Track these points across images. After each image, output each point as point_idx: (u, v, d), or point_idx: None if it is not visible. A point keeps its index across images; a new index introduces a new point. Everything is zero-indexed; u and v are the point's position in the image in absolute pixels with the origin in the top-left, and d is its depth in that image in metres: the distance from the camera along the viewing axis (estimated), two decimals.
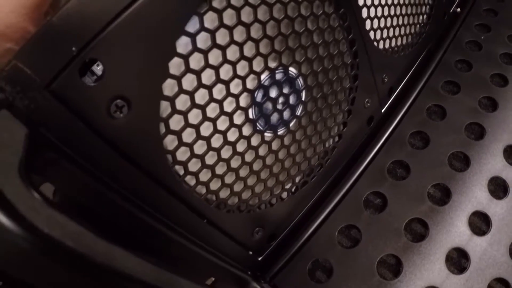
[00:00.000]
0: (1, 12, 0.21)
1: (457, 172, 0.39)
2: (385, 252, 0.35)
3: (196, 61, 0.24)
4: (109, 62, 0.20)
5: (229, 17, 0.24)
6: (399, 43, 0.41)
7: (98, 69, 0.21)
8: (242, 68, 0.26)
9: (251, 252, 0.35)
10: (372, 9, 0.36)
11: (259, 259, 0.36)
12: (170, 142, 0.25)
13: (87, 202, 0.22)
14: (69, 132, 0.21)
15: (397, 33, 0.40)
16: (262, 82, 0.28)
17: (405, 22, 0.41)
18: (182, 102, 0.24)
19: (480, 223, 0.37)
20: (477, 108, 0.42)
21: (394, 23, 0.39)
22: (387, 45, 0.39)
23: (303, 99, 0.31)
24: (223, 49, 0.24)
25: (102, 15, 0.19)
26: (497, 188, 0.39)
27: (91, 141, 0.22)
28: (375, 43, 0.37)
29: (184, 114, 0.24)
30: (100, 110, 0.21)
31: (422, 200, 0.37)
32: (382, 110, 0.41)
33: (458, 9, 0.52)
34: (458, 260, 0.36)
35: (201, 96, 0.25)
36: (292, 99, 0.30)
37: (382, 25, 0.37)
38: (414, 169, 0.39)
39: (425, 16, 0.45)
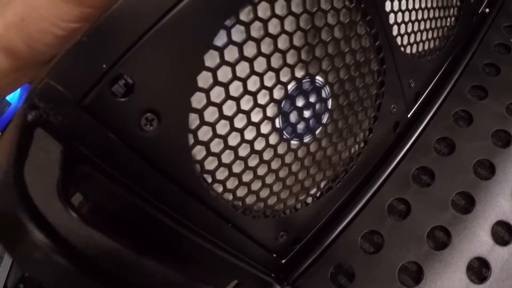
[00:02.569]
0: None
1: (482, 180, 0.37)
2: (407, 259, 0.35)
3: (223, 73, 0.23)
4: (139, 77, 0.20)
5: (256, 29, 0.24)
6: (426, 47, 0.39)
7: (129, 83, 0.21)
8: (269, 79, 0.26)
9: (275, 255, 0.35)
10: (400, 14, 0.35)
11: (283, 261, 0.36)
12: (198, 152, 0.25)
13: (118, 211, 0.23)
14: (102, 145, 0.21)
15: (424, 38, 0.39)
16: (289, 92, 0.27)
17: (433, 26, 0.39)
18: (210, 113, 0.24)
19: (503, 233, 0.36)
20: (505, 114, 0.41)
21: (422, 28, 0.38)
22: (414, 50, 0.38)
23: (329, 107, 0.30)
24: (250, 61, 0.24)
25: (130, 32, 0.19)
26: None
27: (123, 152, 0.22)
28: (402, 49, 0.36)
29: (212, 125, 0.24)
30: (131, 123, 0.21)
31: (446, 208, 0.36)
32: (408, 115, 0.40)
33: (487, 10, 0.50)
34: (479, 270, 0.35)
35: (228, 107, 0.24)
36: (318, 107, 0.30)
37: (409, 30, 0.36)
38: (439, 176, 0.38)
39: (453, 18, 0.43)
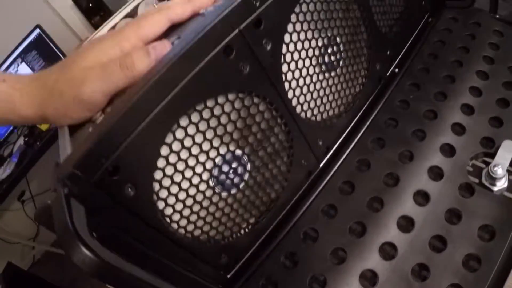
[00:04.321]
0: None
1: (374, 213, 0.65)
2: (315, 272, 0.62)
3: (173, 160, 0.51)
4: (123, 166, 0.48)
5: (192, 129, 0.52)
6: (330, 113, 0.68)
7: (118, 169, 0.48)
8: (202, 156, 0.54)
9: (222, 272, 0.63)
10: (298, 90, 0.62)
11: (228, 276, 0.63)
12: (160, 204, 0.52)
13: (115, 244, 0.50)
14: (106, 205, 0.48)
15: (328, 107, 0.67)
16: (216, 163, 0.55)
17: (335, 97, 0.67)
18: (167, 182, 0.52)
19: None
20: (396, 161, 0.68)
21: (325, 101, 0.66)
22: (318, 118, 0.66)
23: (248, 169, 0.58)
24: (188, 149, 0.52)
25: (115, 145, 0.47)
26: (406, 223, 0.65)
27: (116, 208, 0.49)
28: (304, 116, 0.64)
29: (167, 188, 0.52)
30: (120, 191, 0.49)
31: (345, 233, 0.64)
32: (320, 165, 0.68)
33: (396, 70, 0.78)
34: (389, 251, 0.61)
35: (177, 176, 0.52)
36: (240, 170, 0.58)
37: (312, 106, 0.64)
38: (341, 210, 0.65)
39: (357, 87, 0.71)
